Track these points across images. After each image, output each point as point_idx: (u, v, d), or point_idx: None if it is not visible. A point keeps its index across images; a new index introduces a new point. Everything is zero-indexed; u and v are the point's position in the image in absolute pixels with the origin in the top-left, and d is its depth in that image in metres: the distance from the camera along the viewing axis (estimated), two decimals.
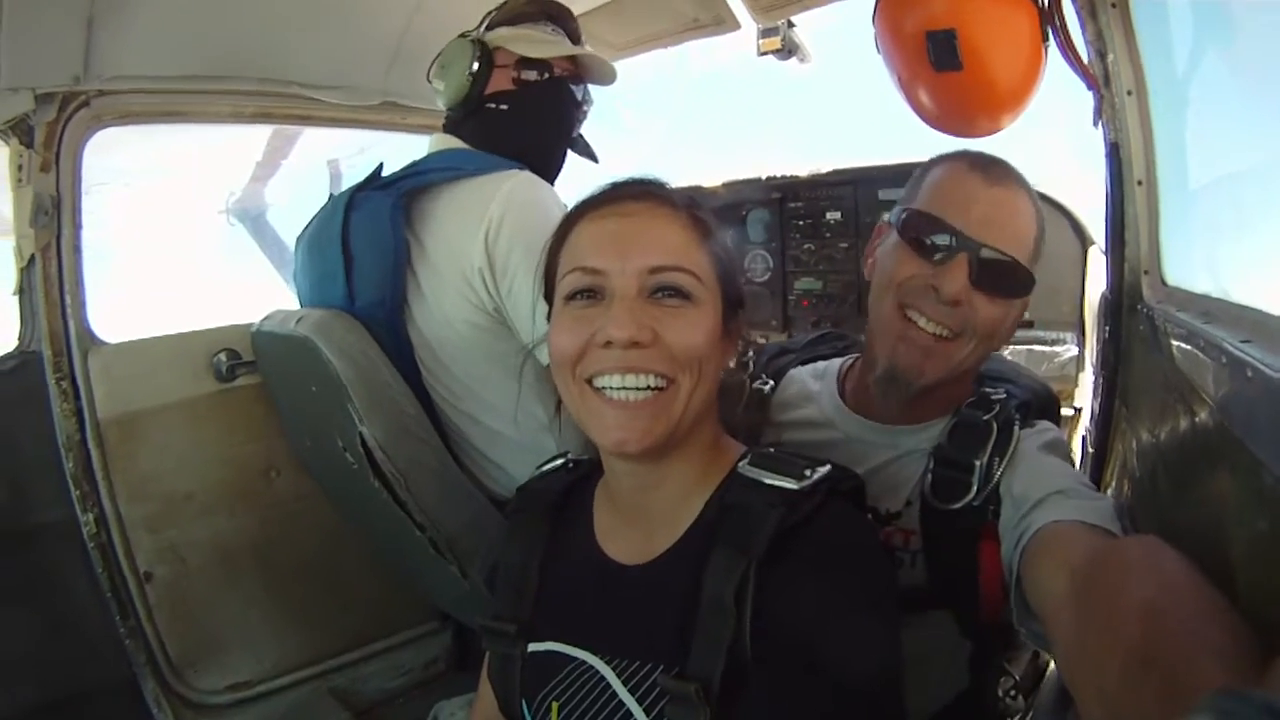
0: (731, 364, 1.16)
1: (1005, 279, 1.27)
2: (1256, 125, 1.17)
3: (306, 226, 2.07)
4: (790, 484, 1.00)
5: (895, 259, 1.32)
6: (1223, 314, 1.07)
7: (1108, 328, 1.62)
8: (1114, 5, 1.46)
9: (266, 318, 2.14)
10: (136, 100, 2.19)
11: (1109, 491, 1.54)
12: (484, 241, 1.70)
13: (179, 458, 2.28)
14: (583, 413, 1.06)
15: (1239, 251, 1.22)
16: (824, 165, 2.85)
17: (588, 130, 2.10)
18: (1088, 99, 1.58)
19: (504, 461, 1.92)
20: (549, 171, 1.94)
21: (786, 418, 1.50)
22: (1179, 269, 1.42)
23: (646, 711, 1.00)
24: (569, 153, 2.07)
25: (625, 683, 1.03)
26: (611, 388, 1.02)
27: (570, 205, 1.16)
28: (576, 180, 2.07)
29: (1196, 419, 0.97)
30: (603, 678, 1.05)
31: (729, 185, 2.99)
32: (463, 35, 1.94)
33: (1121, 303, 1.56)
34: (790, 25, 2.45)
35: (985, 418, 1.28)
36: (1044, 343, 2.38)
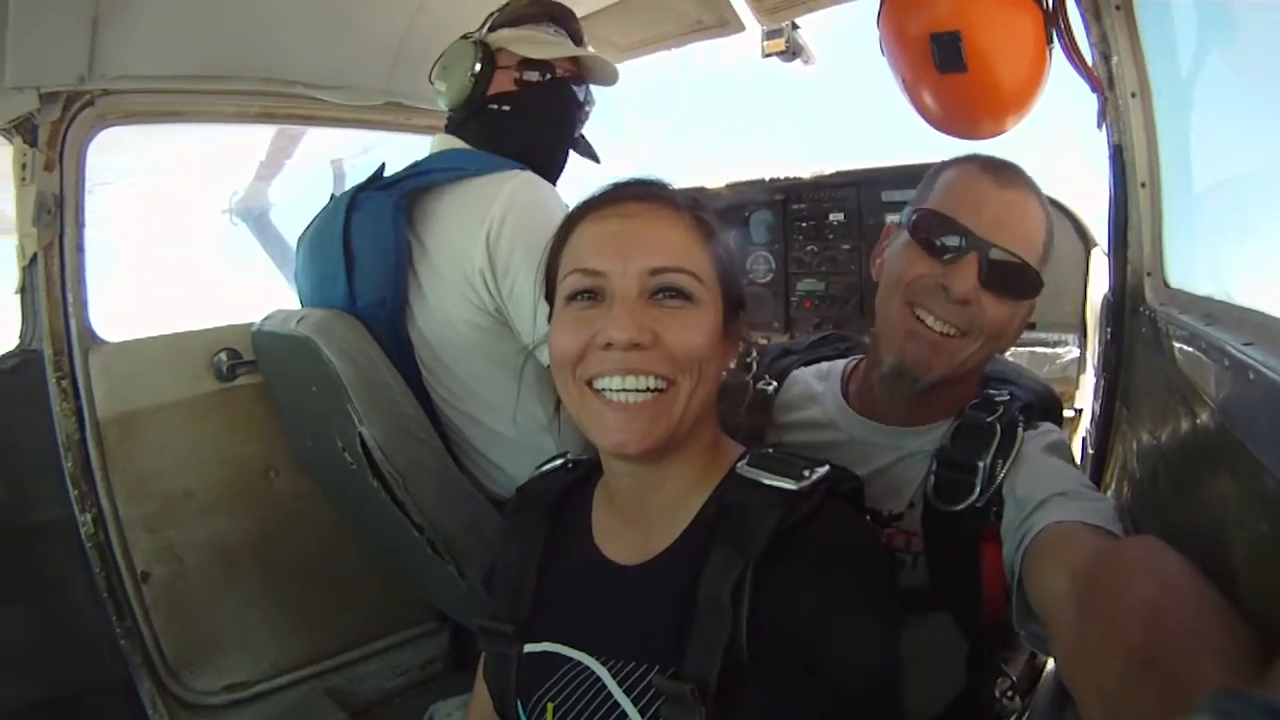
0: (732, 365, 1.15)
1: (1014, 280, 1.28)
2: (1260, 128, 1.17)
3: (308, 226, 2.07)
4: (789, 484, 1.00)
5: (905, 259, 1.33)
6: (1225, 316, 1.06)
7: (1110, 329, 1.61)
8: (1118, 8, 1.46)
9: (267, 317, 2.14)
10: (140, 100, 2.19)
11: (1109, 493, 1.54)
12: (485, 242, 1.69)
13: (178, 457, 2.28)
14: (583, 414, 1.06)
15: (1242, 254, 1.21)
16: (827, 167, 2.85)
17: (590, 131, 2.10)
18: (1092, 101, 1.58)
19: (503, 462, 1.91)
20: (551, 172, 1.94)
21: (790, 419, 1.50)
22: (1182, 271, 1.42)
23: (641, 712, 0.99)
24: (571, 154, 2.06)
25: (620, 683, 1.02)
26: (612, 389, 1.02)
27: (572, 206, 1.16)
28: (578, 181, 2.07)
29: (1198, 421, 0.97)
30: (598, 678, 1.05)
31: (732, 186, 2.99)
32: (465, 36, 1.94)
33: (1124, 304, 1.56)
34: (794, 27, 2.45)
35: (989, 419, 1.28)
36: (1046, 344, 2.37)
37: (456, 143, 1.93)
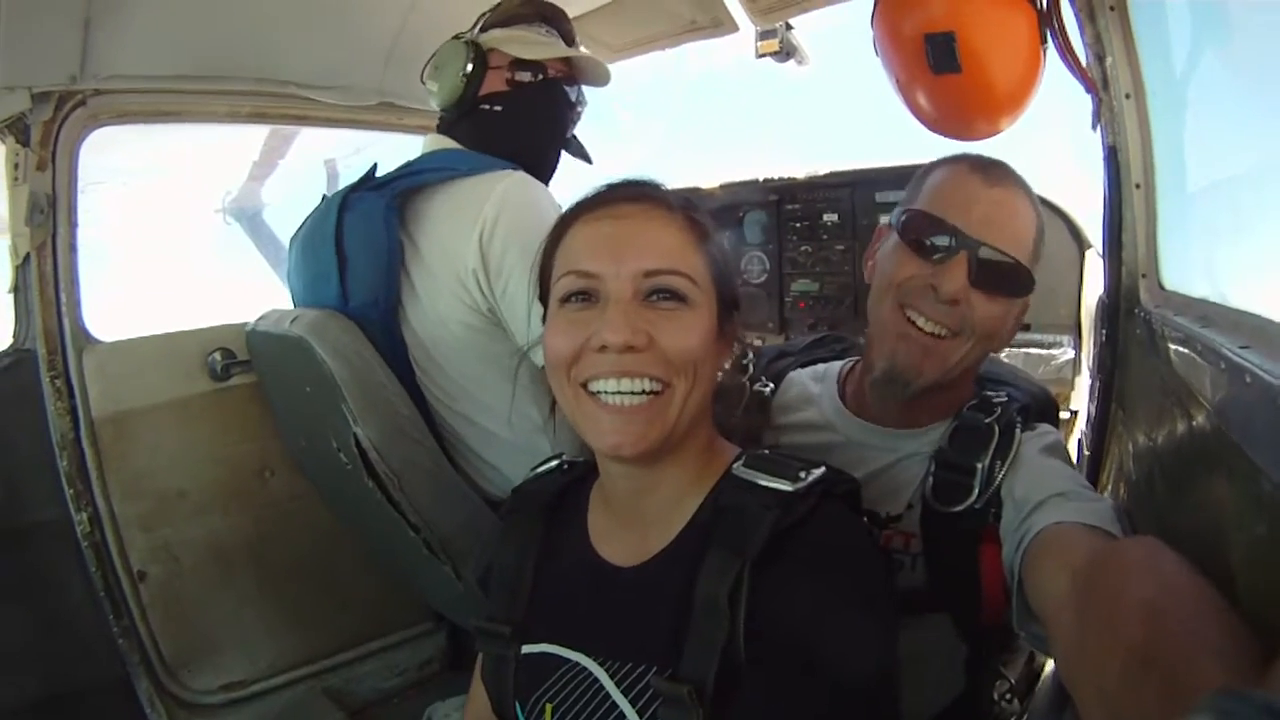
0: (727, 366, 1.15)
1: (1005, 279, 1.28)
2: (1255, 129, 1.17)
3: (300, 227, 2.07)
4: (785, 485, 1.00)
5: (895, 260, 1.33)
6: (1220, 319, 1.06)
7: (1105, 331, 1.62)
8: (1112, 8, 1.46)
9: (261, 317, 2.13)
10: (133, 100, 2.19)
11: (1105, 495, 1.54)
12: (478, 242, 1.69)
13: (173, 457, 2.28)
14: (578, 416, 1.06)
15: (1237, 256, 1.21)
16: (821, 167, 2.85)
17: (584, 131, 2.10)
18: (1086, 102, 1.58)
19: (498, 462, 1.91)
20: (543, 173, 1.94)
21: (787, 420, 1.50)
22: (1177, 273, 1.42)
23: (640, 713, 0.99)
24: (563, 154, 2.06)
25: (618, 684, 1.02)
26: (606, 392, 1.02)
27: (565, 206, 1.15)
28: (571, 181, 2.07)
29: (1193, 423, 0.97)
30: (596, 679, 1.05)
31: (726, 187, 2.98)
32: (457, 37, 1.94)
33: (1119, 306, 1.56)
34: (788, 27, 2.45)
35: (987, 421, 1.28)
36: (1041, 346, 2.38)
37: (448, 143, 1.93)
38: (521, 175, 1.77)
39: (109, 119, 2.16)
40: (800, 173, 2.87)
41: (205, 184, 3.52)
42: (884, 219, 1.42)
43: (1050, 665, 1.50)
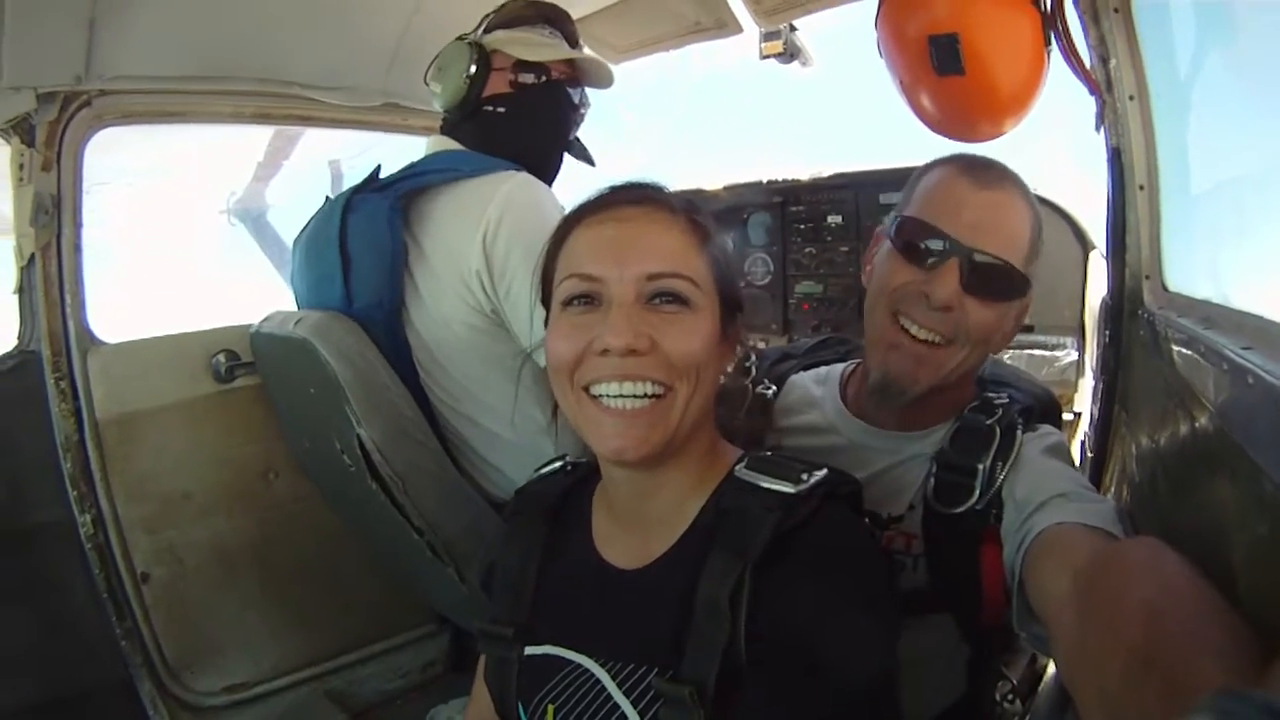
0: (730, 369, 1.15)
1: (997, 283, 1.27)
2: (1258, 130, 1.17)
3: (304, 228, 2.07)
4: (787, 488, 1.00)
5: (888, 266, 1.32)
6: (1224, 320, 1.06)
7: (1108, 333, 1.61)
8: (1116, 10, 1.46)
9: (266, 319, 2.14)
10: (138, 100, 2.20)
11: (1108, 497, 1.54)
12: (482, 243, 1.69)
13: (177, 459, 2.28)
14: (580, 420, 1.06)
15: (1241, 257, 1.21)
16: (825, 169, 2.85)
17: (588, 132, 2.10)
18: (1090, 104, 1.58)
19: (502, 464, 1.92)
20: (546, 174, 1.94)
21: (789, 423, 1.50)
22: (1180, 274, 1.42)
23: (641, 714, 0.99)
24: (567, 156, 2.06)
25: (620, 685, 1.02)
26: (609, 395, 1.01)
27: (568, 208, 1.15)
28: (575, 183, 2.07)
29: (1196, 425, 0.97)
30: (598, 680, 1.05)
31: (730, 188, 2.99)
32: (460, 38, 1.94)
33: (1122, 308, 1.56)
34: (792, 29, 2.45)
35: (988, 422, 1.28)
36: (1044, 347, 2.37)
37: (451, 144, 1.93)
38: (525, 176, 1.77)
39: (114, 119, 2.16)
40: (804, 174, 2.87)
41: (210, 185, 3.54)
42: (880, 225, 1.41)
43: (1052, 667, 1.50)
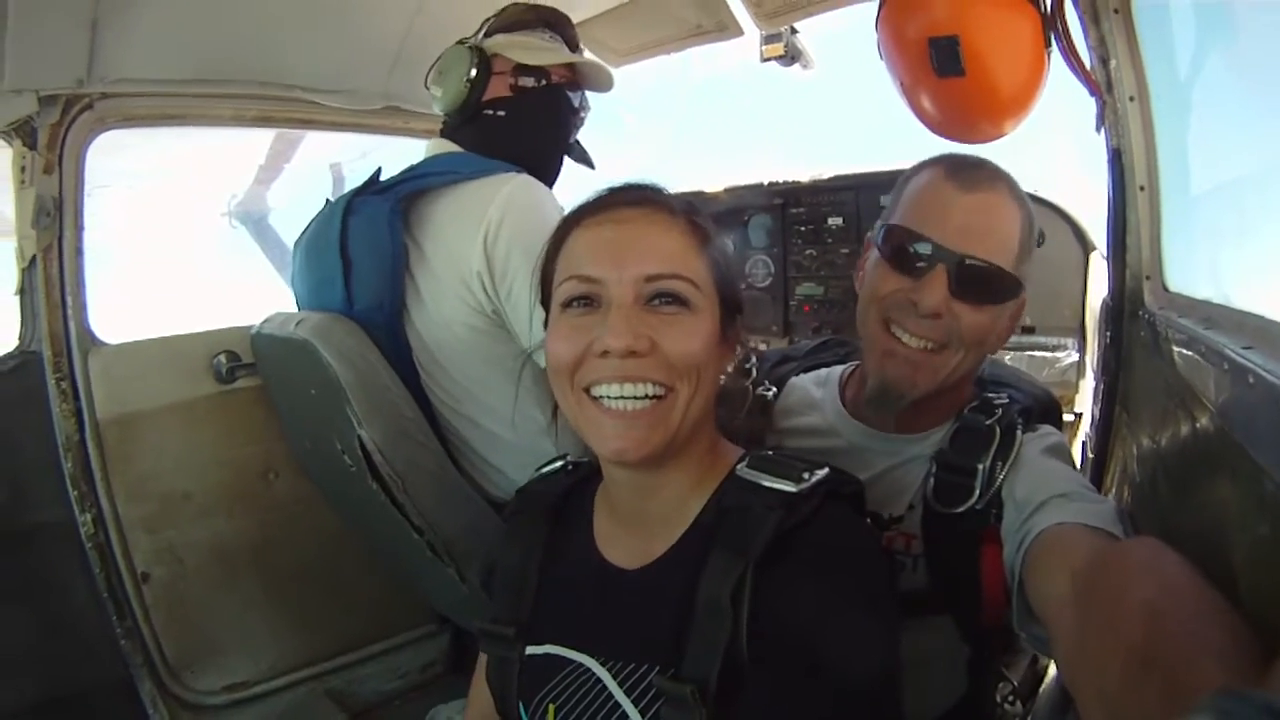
0: (730, 369, 1.15)
1: (987, 287, 1.26)
2: (1259, 131, 1.17)
3: (304, 231, 2.08)
4: (789, 486, 1.00)
5: (876, 275, 1.32)
6: (1224, 320, 1.06)
7: (1109, 333, 1.62)
8: (1116, 11, 1.46)
9: (266, 320, 2.14)
10: (139, 103, 2.20)
11: (1109, 497, 1.54)
12: (483, 244, 1.70)
13: (178, 459, 2.28)
14: (581, 421, 1.06)
15: (1241, 257, 1.21)
16: (826, 171, 2.85)
17: (588, 135, 2.10)
18: (1090, 105, 1.58)
19: (502, 464, 1.91)
20: (546, 178, 1.93)
21: (789, 424, 1.50)
22: (1181, 275, 1.42)
23: (642, 713, 0.99)
24: (567, 159, 2.07)
25: (621, 684, 1.02)
26: (610, 397, 1.01)
27: (568, 210, 1.15)
28: (575, 186, 2.07)
29: (1197, 425, 0.97)
30: (599, 679, 1.05)
31: (731, 190, 2.99)
32: (461, 42, 1.94)
33: (1123, 308, 1.56)
34: (793, 31, 2.45)
35: (988, 422, 1.27)
36: (1045, 348, 2.37)
37: (451, 147, 1.93)
38: (525, 178, 1.77)
39: (115, 122, 2.16)
40: (805, 176, 2.87)
41: (211, 188, 3.54)
42: (870, 232, 1.40)
43: (1053, 668, 1.50)
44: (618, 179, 1.14)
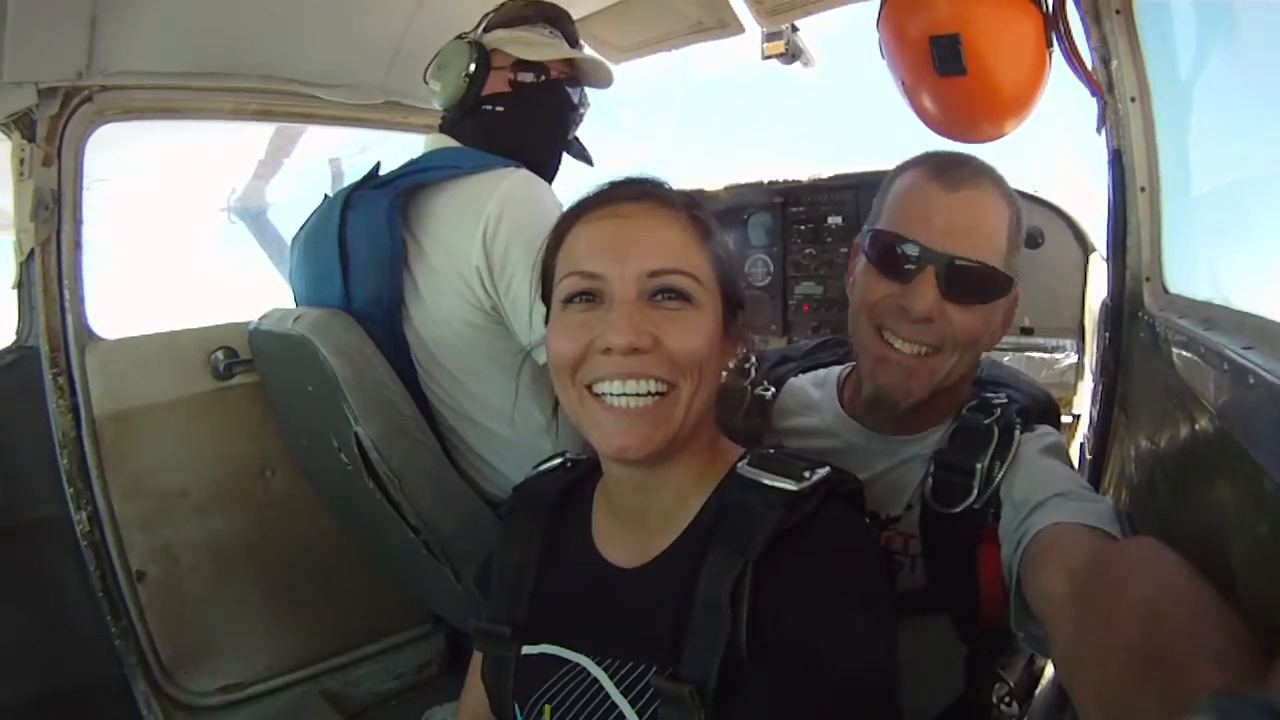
0: (731, 365, 1.14)
1: (978, 285, 1.25)
2: (1260, 133, 1.17)
3: (302, 226, 2.07)
4: (790, 485, 0.99)
5: (865, 281, 1.31)
6: (1224, 321, 1.06)
7: (1108, 334, 1.61)
8: (1118, 12, 1.46)
9: (264, 316, 2.13)
10: (139, 96, 2.19)
11: (1106, 498, 1.54)
12: (482, 240, 1.69)
13: (174, 456, 2.28)
14: (582, 418, 1.05)
15: (1241, 258, 1.21)
16: (826, 170, 2.85)
17: (587, 131, 2.10)
18: (1092, 105, 1.58)
19: (499, 463, 1.91)
20: (544, 174, 1.93)
21: (788, 425, 1.49)
22: (1181, 276, 1.42)
23: (639, 713, 0.99)
24: (566, 156, 2.06)
25: (618, 684, 1.02)
26: (612, 394, 1.01)
27: (567, 205, 1.15)
28: (574, 183, 2.07)
29: (1197, 426, 0.97)
30: (596, 680, 1.04)
31: (731, 189, 2.98)
32: (460, 37, 1.94)
33: (1122, 309, 1.55)
34: (794, 29, 2.45)
35: (986, 421, 1.27)
36: (1043, 349, 2.37)
37: (450, 142, 1.93)
38: (524, 173, 1.77)
39: (115, 115, 2.16)
40: (805, 175, 2.87)
41: (210, 182, 3.54)
42: (858, 236, 1.39)
43: (1050, 669, 1.49)
44: (617, 175, 1.14)
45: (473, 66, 1.88)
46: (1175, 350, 1.12)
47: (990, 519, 1.20)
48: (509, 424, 1.84)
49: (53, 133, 2.04)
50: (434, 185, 1.80)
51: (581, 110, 2.05)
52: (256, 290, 3.35)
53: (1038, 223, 2.33)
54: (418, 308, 1.83)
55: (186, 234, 4.18)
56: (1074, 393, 2.32)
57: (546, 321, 1.12)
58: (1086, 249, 2.32)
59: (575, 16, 2.05)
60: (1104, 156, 1.57)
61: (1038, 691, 1.52)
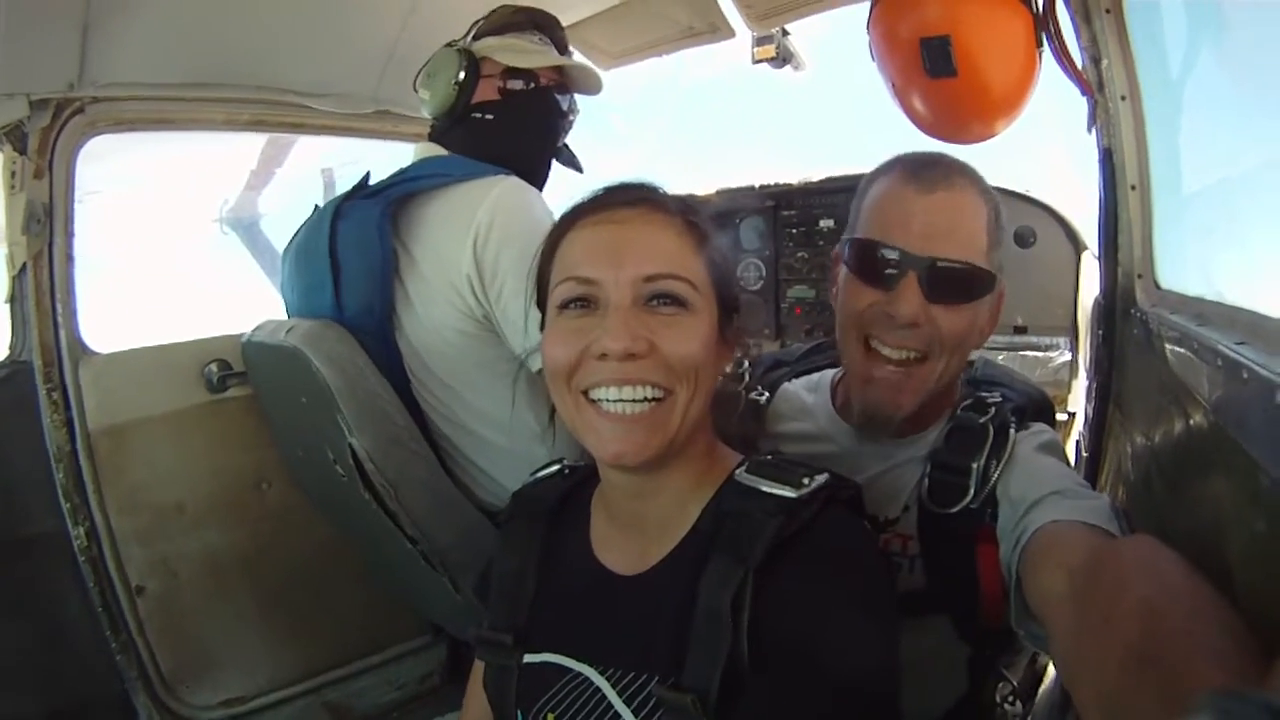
0: (728, 370, 1.14)
1: (962, 285, 1.24)
2: (1249, 130, 1.17)
3: (293, 237, 2.07)
4: (789, 492, 0.99)
5: (849, 291, 1.30)
6: (1217, 316, 1.06)
7: (1101, 332, 1.62)
8: (1108, 11, 1.46)
9: (257, 328, 2.13)
10: (131, 107, 2.19)
11: (1103, 494, 1.54)
12: (472, 248, 1.69)
13: (170, 469, 2.27)
14: (579, 424, 1.05)
15: (1232, 254, 1.21)
16: (818, 173, 2.85)
17: (577, 137, 2.09)
18: (1082, 104, 1.58)
19: (494, 471, 1.91)
20: (534, 181, 1.92)
21: (782, 429, 1.49)
22: (1173, 272, 1.42)
23: None
24: (555, 163, 2.06)
25: (620, 693, 1.02)
26: (608, 400, 1.00)
27: (558, 214, 1.14)
28: (566, 190, 2.07)
29: (1191, 421, 0.97)
30: (598, 689, 1.04)
31: (722, 193, 2.99)
32: (449, 45, 1.94)
33: (1115, 307, 1.56)
34: (785, 33, 2.45)
35: (981, 421, 1.27)
36: (1037, 348, 2.38)
37: (439, 150, 1.93)
38: (515, 180, 1.76)
39: (107, 126, 2.16)
40: (796, 178, 2.87)
41: (202, 193, 3.53)
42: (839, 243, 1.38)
43: (1053, 668, 1.50)
44: (609, 180, 1.13)
45: (462, 74, 1.87)
46: (1168, 346, 1.12)
47: (988, 518, 1.20)
48: (503, 432, 1.84)
49: (44, 145, 2.04)
50: (424, 194, 1.80)
51: (571, 117, 2.04)
52: (250, 301, 3.34)
53: (1029, 222, 2.33)
54: (409, 317, 1.82)
55: (179, 245, 4.17)
56: (1069, 390, 2.32)
57: (542, 328, 1.12)
58: (1079, 247, 2.33)
59: (566, 22, 2.06)
60: (1095, 155, 1.57)
61: (1041, 690, 1.53)
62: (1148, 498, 1.20)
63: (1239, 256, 1.19)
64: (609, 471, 1.10)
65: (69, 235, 2.11)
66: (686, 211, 1.08)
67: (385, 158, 2.64)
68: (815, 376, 1.56)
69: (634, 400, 1.00)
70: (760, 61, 2.49)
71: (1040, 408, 1.40)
